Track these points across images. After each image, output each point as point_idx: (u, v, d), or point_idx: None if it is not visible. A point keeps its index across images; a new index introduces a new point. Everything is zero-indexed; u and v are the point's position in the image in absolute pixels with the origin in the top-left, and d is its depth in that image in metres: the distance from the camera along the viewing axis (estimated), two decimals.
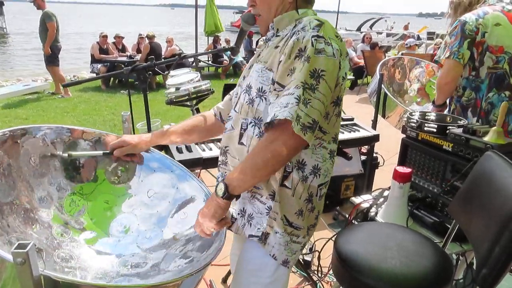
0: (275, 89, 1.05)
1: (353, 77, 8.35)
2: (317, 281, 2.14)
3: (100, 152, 1.34)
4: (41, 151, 1.27)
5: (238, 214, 1.20)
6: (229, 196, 1.03)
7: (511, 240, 0.98)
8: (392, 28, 21.12)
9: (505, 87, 1.92)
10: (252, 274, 1.18)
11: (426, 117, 1.85)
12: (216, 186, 1.05)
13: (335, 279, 2.24)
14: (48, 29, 6.56)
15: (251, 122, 1.12)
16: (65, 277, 0.80)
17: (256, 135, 1.11)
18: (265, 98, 1.08)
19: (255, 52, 1.27)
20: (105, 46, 8.45)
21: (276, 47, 1.10)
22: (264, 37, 1.21)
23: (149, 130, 1.89)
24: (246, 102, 1.14)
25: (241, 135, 1.15)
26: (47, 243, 1.14)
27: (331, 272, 2.27)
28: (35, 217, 1.17)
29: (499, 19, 1.90)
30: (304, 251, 1.96)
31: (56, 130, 1.32)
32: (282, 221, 1.12)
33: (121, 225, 1.31)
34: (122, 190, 1.36)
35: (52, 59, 6.82)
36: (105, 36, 8.43)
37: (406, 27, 19.75)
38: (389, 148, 3.59)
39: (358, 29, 21.91)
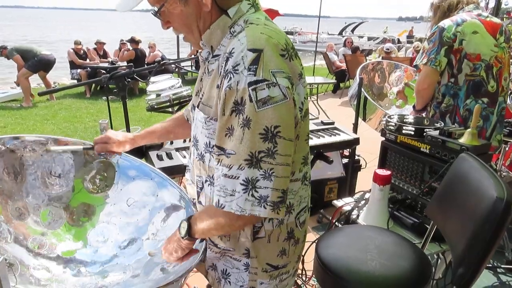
0: (215, 153, 0.87)
1: (335, 81, 8.44)
2: (301, 285, 2.14)
3: (80, 147, 1.31)
4: (15, 162, 1.24)
5: (209, 267, 1.11)
6: (191, 238, 0.96)
7: (486, 239, 1.00)
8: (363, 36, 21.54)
9: (483, 94, 1.98)
10: None
11: (404, 120, 1.88)
12: (180, 224, 0.98)
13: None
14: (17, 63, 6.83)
15: (206, 181, 1.00)
16: None
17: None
18: None
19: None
20: (81, 51, 8.35)
21: (217, 86, 0.88)
22: (201, 55, 0.99)
23: None
24: (196, 157, 1.01)
25: (198, 194, 1.06)
26: (22, 256, 1.11)
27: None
28: (10, 229, 1.14)
29: (476, 27, 1.94)
30: None
31: (30, 140, 1.29)
32: (265, 272, 1.01)
33: (100, 235, 1.28)
34: (100, 200, 1.34)
35: (31, 64, 6.82)
36: (77, 43, 8.32)
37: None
38: (371, 150, 3.64)
39: (340, 33, 22.24)
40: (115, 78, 1.47)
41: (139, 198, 1.37)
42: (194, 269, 1.04)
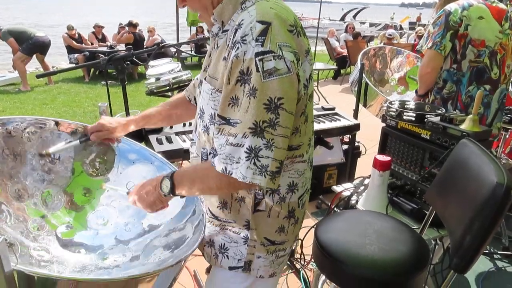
0: (216, 122, 0.88)
1: (336, 67, 8.37)
2: (300, 269, 2.16)
3: (77, 141, 1.30)
4: (15, 144, 1.23)
5: (206, 243, 1.12)
6: (173, 195, 0.99)
7: (483, 226, 1.01)
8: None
9: (485, 81, 1.96)
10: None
11: (405, 106, 1.87)
12: (161, 181, 0.98)
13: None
14: (11, 47, 6.76)
15: (210, 153, 1.00)
16: (40, 272, 0.79)
17: None
18: None
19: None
20: (76, 36, 8.25)
21: (224, 58, 0.89)
22: (211, 31, 0.98)
23: None
24: (202, 129, 1.01)
25: None
26: (22, 237, 1.11)
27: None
28: (9, 211, 1.14)
29: (482, 12, 1.90)
30: None
31: (30, 122, 1.28)
32: (263, 246, 1.04)
33: (100, 218, 1.29)
34: (100, 183, 1.34)
35: (25, 47, 6.78)
36: (70, 28, 8.21)
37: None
38: (371, 137, 3.64)
39: (342, 19, 21.96)
40: (114, 61, 1.45)
41: (139, 181, 1.36)
42: (194, 253, 1.05)
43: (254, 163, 0.82)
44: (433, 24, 1.98)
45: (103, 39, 8.90)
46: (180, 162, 2.04)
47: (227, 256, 1.07)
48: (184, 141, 2.01)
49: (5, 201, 1.16)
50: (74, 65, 7.94)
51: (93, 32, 8.74)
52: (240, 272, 1.07)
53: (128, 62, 1.51)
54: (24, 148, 1.26)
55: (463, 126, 1.55)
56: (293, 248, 1.18)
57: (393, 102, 1.91)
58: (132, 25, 8.21)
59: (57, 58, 10.22)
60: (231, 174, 0.84)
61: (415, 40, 9.10)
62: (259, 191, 0.99)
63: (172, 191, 0.97)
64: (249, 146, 0.81)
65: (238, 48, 0.82)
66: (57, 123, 1.32)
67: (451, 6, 1.92)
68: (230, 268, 1.08)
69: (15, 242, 1.04)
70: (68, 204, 1.29)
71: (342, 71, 8.75)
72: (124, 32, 8.47)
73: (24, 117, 1.26)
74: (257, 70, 0.80)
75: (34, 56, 7.08)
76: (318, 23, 9.35)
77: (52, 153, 1.28)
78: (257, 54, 0.80)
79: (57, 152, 1.29)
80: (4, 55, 10.42)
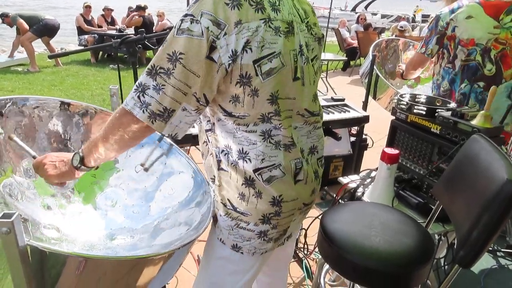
0: None
1: (346, 58, 8.29)
2: (303, 258, 2.19)
3: (32, 153, 1.18)
4: (26, 123, 1.25)
5: None
6: (83, 168, 1.04)
7: (491, 222, 1.01)
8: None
9: (479, 78, 1.99)
10: (206, 253, 1.21)
11: (416, 100, 1.86)
12: (73, 156, 1.04)
13: (320, 256, 2.31)
14: (20, 28, 6.78)
15: (222, 151, 1.10)
16: (52, 247, 0.80)
17: (205, 127, 1.10)
18: None
19: None
20: (89, 17, 8.22)
21: None
22: None
23: None
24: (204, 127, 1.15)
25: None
26: (32, 216, 1.13)
27: (317, 249, 2.32)
28: (20, 189, 1.16)
29: (472, 11, 1.94)
30: None
31: (43, 102, 1.29)
32: (223, 205, 1.09)
33: (109, 199, 1.30)
34: (110, 164, 1.35)
35: (36, 29, 6.81)
36: (89, 7, 8.17)
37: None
38: (378, 130, 3.62)
39: (353, 9, 21.66)
40: (126, 44, 1.45)
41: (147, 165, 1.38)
42: (199, 238, 1.06)
43: (138, 97, 0.91)
44: (428, 27, 2.13)
45: (113, 22, 8.87)
46: (188, 147, 2.04)
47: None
48: (193, 126, 2.01)
49: (16, 179, 1.18)
50: (83, 47, 7.95)
51: (102, 15, 8.70)
52: (212, 226, 1.15)
53: (140, 46, 1.51)
54: (35, 128, 1.27)
55: (474, 122, 1.54)
56: (277, 237, 1.13)
57: (403, 95, 1.90)
58: (141, 8, 8.16)
59: (66, 39, 10.22)
60: (125, 104, 0.93)
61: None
62: (215, 148, 1.07)
63: (82, 162, 1.03)
64: (140, 82, 0.91)
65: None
66: (68, 104, 1.33)
67: (442, 10, 2.04)
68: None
69: (29, 217, 1.06)
70: (78, 184, 1.30)
71: (351, 62, 8.66)
72: (134, 15, 8.43)
73: (37, 97, 1.27)
74: (175, 27, 0.91)
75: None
76: (330, 13, 9.22)
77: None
78: (182, 16, 0.91)
79: (16, 145, 1.21)
80: (13, 37, 10.44)
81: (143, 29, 1.57)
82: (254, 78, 0.94)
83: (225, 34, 0.89)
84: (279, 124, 1.01)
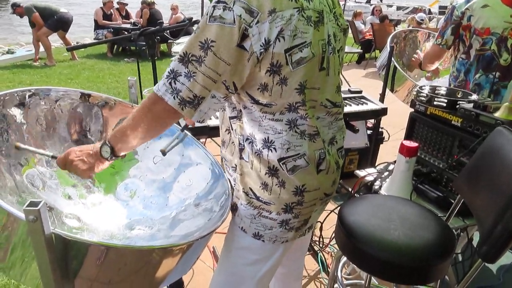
0: None
1: (361, 51, 8.17)
2: (318, 251, 2.18)
3: (50, 154, 1.16)
4: (47, 113, 1.26)
5: None
6: (114, 157, 1.04)
7: None
8: None
9: (494, 68, 1.96)
10: (227, 244, 1.21)
11: (436, 92, 1.82)
12: (101, 148, 1.03)
13: (336, 250, 2.29)
14: (36, 23, 6.79)
15: (247, 139, 1.11)
16: (76, 236, 0.82)
17: (229, 114, 1.10)
18: None
19: None
20: (109, 12, 8.27)
21: None
22: None
23: None
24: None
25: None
26: (54, 205, 1.15)
27: (332, 242, 2.31)
28: (43, 179, 1.18)
29: (488, 0, 1.91)
30: None
31: (63, 94, 1.31)
32: (245, 194, 1.09)
33: (128, 190, 1.32)
34: (129, 155, 1.36)
35: (50, 23, 6.87)
36: (111, 1, 8.23)
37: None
38: (394, 123, 3.57)
39: (368, 1, 21.31)
40: (145, 35, 1.45)
41: (165, 156, 1.39)
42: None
43: (170, 83, 0.91)
44: (444, 17, 2.13)
45: (127, 16, 8.93)
46: (204, 140, 2.05)
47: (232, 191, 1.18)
48: (210, 118, 2.02)
49: (39, 169, 1.20)
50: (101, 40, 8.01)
51: (117, 9, 8.76)
52: (232, 215, 1.15)
53: (158, 37, 1.51)
54: (56, 119, 1.29)
55: (497, 114, 1.50)
56: (298, 226, 1.13)
57: (423, 87, 1.86)
58: (145, 2, 8.18)
59: (82, 34, 10.33)
60: (157, 90, 0.94)
61: None
62: (240, 136, 1.06)
63: (113, 152, 1.03)
64: (172, 69, 0.91)
65: None
66: (88, 96, 1.34)
67: (458, 1, 2.02)
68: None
69: (54, 206, 1.08)
70: (98, 174, 1.31)
71: (366, 55, 8.54)
72: (143, 7, 8.44)
73: (58, 88, 1.28)
74: (207, 14, 0.89)
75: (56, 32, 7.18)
76: (344, 5, 9.10)
77: (22, 149, 1.17)
78: (214, 2, 0.89)
79: (25, 150, 1.18)
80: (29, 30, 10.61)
81: (162, 21, 1.56)
82: (284, 67, 0.93)
83: (258, 22, 0.87)
84: (305, 114, 1.00)
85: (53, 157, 1.14)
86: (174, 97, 0.91)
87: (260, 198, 1.07)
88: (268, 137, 1.02)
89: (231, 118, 1.09)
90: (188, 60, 0.89)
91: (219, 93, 0.92)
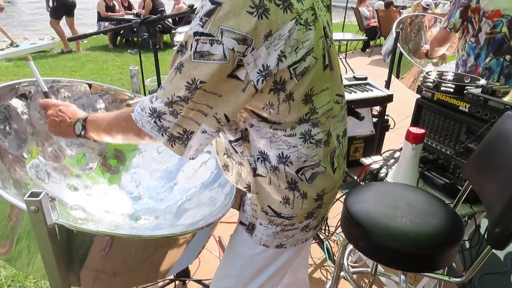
0: None
1: (366, 38, 8.05)
2: (324, 240, 2.18)
3: (45, 89, 1.17)
4: None
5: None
6: (84, 138, 1.02)
7: None
8: None
9: (505, 51, 1.91)
10: (238, 253, 1.13)
11: (443, 77, 1.79)
12: (75, 122, 1.01)
13: (341, 238, 2.29)
14: None
15: (258, 158, 1.03)
16: (80, 226, 0.81)
17: (229, 138, 1.01)
18: None
19: None
20: (111, 3, 8.23)
21: None
22: None
23: (159, 86, 1.86)
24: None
25: None
26: (60, 196, 1.15)
27: (338, 231, 2.31)
28: (47, 170, 1.18)
29: None
30: None
31: (66, 84, 1.30)
32: (264, 213, 1.01)
33: (132, 180, 1.31)
34: (133, 145, 1.36)
35: (52, 11, 6.86)
36: None
37: None
38: (400, 110, 3.53)
39: None
40: (146, 24, 1.43)
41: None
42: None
43: (155, 122, 0.84)
44: (450, 1, 2.12)
45: (129, 7, 8.87)
46: None
47: (243, 209, 1.08)
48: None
49: (43, 161, 1.19)
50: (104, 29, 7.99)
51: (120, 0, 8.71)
52: (245, 232, 1.07)
53: (160, 26, 1.49)
54: None
55: (506, 99, 1.47)
56: (316, 225, 1.10)
57: (430, 73, 1.83)
58: None
59: (85, 28, 10.31)
60: (136, 119, 0.86)
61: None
62: (249, 157, 0.98)
63: (84, 133, 1.00)
64: (153, 108, 0.83)
65: (193, 21, 0.81)
66: (90, 86, 1.33)
67: None
68: (240, 223, 1.09)
69: (57, 197, 1.08)
70: (102, 165, 1.32)
71: (371, 42, 8.43)
72: None
73: (60, 79, 1.27)
74: (191, 49, 0.78)
75: (64, 22, 7.17)
76: None
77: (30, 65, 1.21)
78: (195, 34, 0.77)
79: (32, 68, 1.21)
80: (36, 22, 10.60)
81: (163, 9, 1.54)
82: (288, 81, 0.84)
83: (253, 49, 0.77)
84: (317, 121, 0.94)
85: (45, 93, 1.15)
86: (162, 134, 0.84)
87: (281, 215, 1.01)
88: (282, 153, 0.94)
89: (233, 141, 0.99)
90: (173, 102, 0.81)
91: (210, 127, 0.84)
